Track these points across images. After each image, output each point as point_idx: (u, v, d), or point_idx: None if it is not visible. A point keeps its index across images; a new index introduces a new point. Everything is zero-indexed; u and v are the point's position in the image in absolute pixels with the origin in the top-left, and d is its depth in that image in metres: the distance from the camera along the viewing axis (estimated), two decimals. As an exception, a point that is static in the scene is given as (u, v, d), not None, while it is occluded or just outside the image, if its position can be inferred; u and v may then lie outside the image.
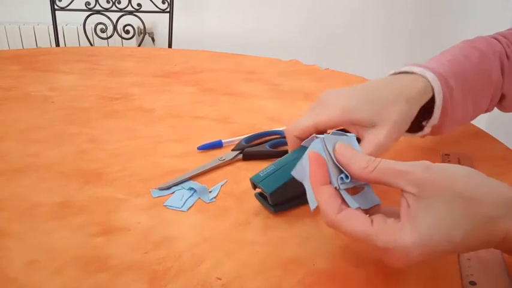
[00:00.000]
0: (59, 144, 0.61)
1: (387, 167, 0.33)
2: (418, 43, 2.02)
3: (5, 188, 0.50)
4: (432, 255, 0.32)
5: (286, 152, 0.57)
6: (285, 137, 0.62)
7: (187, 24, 2.02)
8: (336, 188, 0.35)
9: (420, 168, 0.32)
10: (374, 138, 0.44)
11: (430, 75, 0.48)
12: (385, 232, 0.31)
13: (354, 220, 0.33)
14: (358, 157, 0.35)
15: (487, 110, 0.58)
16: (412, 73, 0.49)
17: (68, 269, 0.38)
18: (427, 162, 0.33)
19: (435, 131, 0.52)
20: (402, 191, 0.33)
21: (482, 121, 0.64)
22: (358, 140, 0.41)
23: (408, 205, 0.32)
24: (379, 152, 0.43)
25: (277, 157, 0.57)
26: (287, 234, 0.43)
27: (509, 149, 0.60)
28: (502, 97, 0.57)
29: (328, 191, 0.35)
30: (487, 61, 0.54)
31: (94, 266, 0.38)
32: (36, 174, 0.53)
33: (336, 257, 0.40)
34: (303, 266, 0.39)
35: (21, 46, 2.00)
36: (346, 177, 0.36)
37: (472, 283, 0.36)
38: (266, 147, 0.58)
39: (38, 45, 1.99)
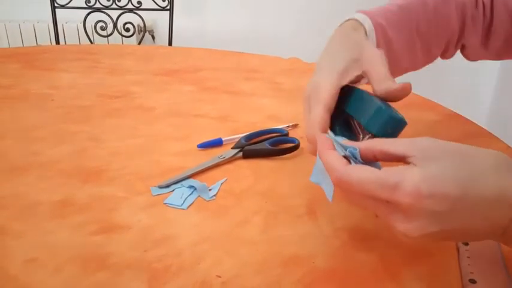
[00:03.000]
0: (59, 142, 0.61)
1: (391, 140, 0.35)
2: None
3: (6, 187, 0.50)
4: (444, 204, 0.31)
5: (286, 150, 0.58)
6: (284, 135, 0.62)
7: (188, 22, 2.02)
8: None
9: (424, 139, 0.34)
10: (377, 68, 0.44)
11: (368, 26, 0.49)
12: (395, 170, 0.32)
13: (362, 169, 0.33)
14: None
15: (444, 57, 0.59)
16: (356, 20, 0.50)
17: (68, 267, 0.38)
18: (429, 137, 0.34)
19: None
20: (407, 159, 0.33)
21: (482, 119, 0.64)
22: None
23: (415, 163, 0.33)
24: (386, 66, 0.43)
25: (277, 155, 0.57)
26: (287, 233, 0.43)
27: (511, 147, 0.60)
28: (463, 47, 0.58)
29: (335, 153, 0.36)
30: (446, 8, 0.55)
31: (94, 264, 0.38)
32: (37, 173, 0.53)
33: (335, 256, 0.40)
34: (303, 264, 0.39)
35: (21, 44, 2.00)
36: (354, 149, 0.36)
37: (472, 281, 0.36)
38: (266, 145, 0.58)
39: (38, 43, 1.99)
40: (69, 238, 0.42)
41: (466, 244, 0.41)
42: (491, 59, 0.61)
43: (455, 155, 0.33)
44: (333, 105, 0.42)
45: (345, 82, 0.44)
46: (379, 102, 0.39)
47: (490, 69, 1.92)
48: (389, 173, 0.32)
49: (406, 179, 0.31)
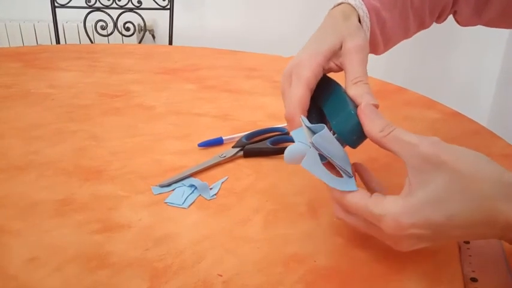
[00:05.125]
0: (60, 141, 0.60)
1: (399, 137, 0.35)
2: (418, 39, 2.01)
3: (6, 186, 0.50)
4: (428, 229, 0.32)
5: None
6: (285, 134, 0.62)
7: (188, 21, 2.02)
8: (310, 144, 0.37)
9: (428, 142, 0.33)
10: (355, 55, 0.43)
11: (362, 12, 0.47)
12: (381, 202, 0.34)
13: (354, 192, 0.36)
14: (377, 119, 0.36)
15: (438, 23, 0.60)
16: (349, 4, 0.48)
17: (68, 266, 0.38)
18: (436, 138, 0.34)
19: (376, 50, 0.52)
20: (406, 164, 0.34)
21: (483, 118, 0.64)
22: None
23: (410, 183, 0.33)
24: (365, 64, 0.43)
25: (278, 154, 0.57)
26: (288, 231, 0.43)
27: (511, 146, 0.60)
28: (455, 12, 0.58)
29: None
30: None
31: (95, 263, 0.38)
32: (37, 172, 0.53)
33: (336, 254, 0.40)
34: (304, 262, 0.39)
35: (21, 43, 2.00)
36: (322, 127, 0.37)
37: (473, 280, 0.36)
38: (267, 144, 0.58)
39: (38, 43, 1.99)
40: (69, 237, 0.42)
41: (468, 242, 0.41)
42: (482, 25, 0.61)
43: (453, 178, 0.32)
44: (315, 84, 0.42)
45: (328, 66, 0.43)
46: (350, 107, 0.39)
47: (491, 67, 1.92)
48: (377, 203, 0.34)
49: (388, 213, 0.33)
